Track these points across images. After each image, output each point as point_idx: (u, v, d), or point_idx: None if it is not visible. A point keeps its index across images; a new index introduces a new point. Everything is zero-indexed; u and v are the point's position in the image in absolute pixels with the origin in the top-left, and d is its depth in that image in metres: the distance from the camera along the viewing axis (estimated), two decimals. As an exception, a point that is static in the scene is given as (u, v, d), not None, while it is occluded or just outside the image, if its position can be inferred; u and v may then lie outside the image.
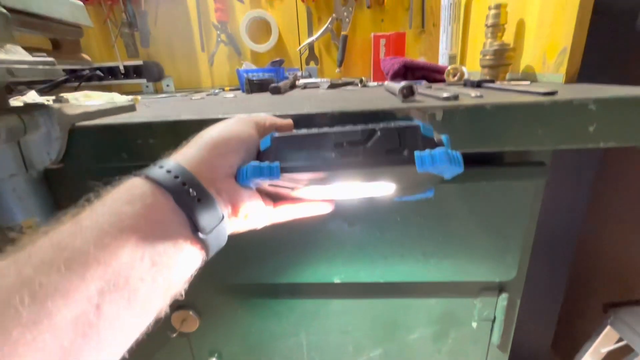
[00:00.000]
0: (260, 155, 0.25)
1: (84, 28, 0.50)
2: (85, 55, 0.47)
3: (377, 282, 0.46)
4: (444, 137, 0.24)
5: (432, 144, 0.23)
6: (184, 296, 0.22)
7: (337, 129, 0.24)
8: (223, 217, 0.23)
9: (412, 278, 0.46)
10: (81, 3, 0.46)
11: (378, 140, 0.23)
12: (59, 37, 0.44)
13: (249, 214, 0.27)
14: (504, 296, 0.47)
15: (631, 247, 0.78)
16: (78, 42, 0.46)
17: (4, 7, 0.33)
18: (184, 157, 0.23)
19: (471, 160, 0.38)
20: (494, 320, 0.50)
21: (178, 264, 0.21)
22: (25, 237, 0.18)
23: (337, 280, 0.46)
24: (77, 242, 0.17)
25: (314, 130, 0.25)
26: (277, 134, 0.25)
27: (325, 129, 0.25)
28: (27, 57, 0.33)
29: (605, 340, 0.77)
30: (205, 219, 0.22)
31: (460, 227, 0.42)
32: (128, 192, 0.20)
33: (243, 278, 0.48)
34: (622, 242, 0.80)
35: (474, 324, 0.50)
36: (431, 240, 0.43)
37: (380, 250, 0.44)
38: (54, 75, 0.33)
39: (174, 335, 0.51)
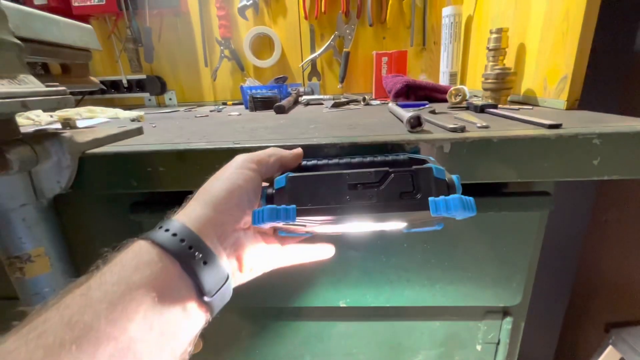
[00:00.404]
0: (274, 195, 0.25)
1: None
2: (93, 78, 0.47)
3: (383, 306, 0.46)
4: (455, 178, 0.24)
5: (444, 186, 0.23)
6: (188, 357, 0.22)
7: (347, 164, 0.25)
8: (228, 277, 0.24)
9: (418, 302, 0.46)
10: (90, 27, 0.47)
11: (392, 182, 0.24)
12: (69, 62, 0.44)
13: (254, 267, 0.27)
14: (508, 320, 0.48)
15: (632, 267, 0.78)
16: (87, 65, 0.47)
17: (17, 37, 0.33)
18: (188, 217, 0.23)
19: (477, 191, 0.39)
20: (498, 343, 0.50)
21: (184, 329, 0.21)
22: (35, 311, 0.18)
23: (342, 304, 0.46)
24: (87, 317, 0.17)
25: (325, 165, 0.25)
26: (292, 174, 0.25)
27: (337, 170, 0.25)
28: (40, 87, 0.33)
29: None
30: (210, 282, 0.22)
31: (466, 254, 0.42)
32: (135, 259, 0.20)
33: (248, 301, 0.47)
34: (623, 262, 0.81)
35: (479, 347, 0.50)
36: (437, 266, 0.43)
37: (386, 275, 0.44)
38: (67, 104, 0.33)
39: (177, 358, 0.50)
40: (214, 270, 0.22)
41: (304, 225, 0.27)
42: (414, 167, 0.24)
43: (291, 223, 0.24)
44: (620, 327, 0.75)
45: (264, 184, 0.28)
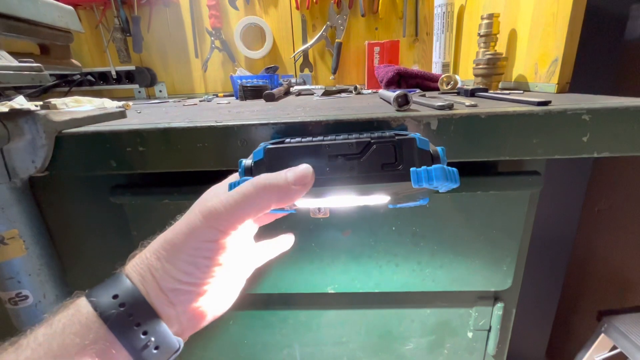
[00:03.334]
0: (252, 167, 0.24)
1: (75, 33, 0.49)
2: (74, 61, 0.46)
3: (372, 291, 0.46)
4: (440, 150, 0.23)
5: (428, 158, 0.23)
6: None
7: (331, 140, 0.24)
8: (179, 348, 0.22)
9: (407, 288, 0.45)
10: (71, 8, 0.45)
11: (373, 153, 0.23)
12: (48, 42, 0.43)
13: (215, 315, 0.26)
14: (499, 305, 0.47)
15: (625, 254, 0.79)
16: (68, 48, 0.46)
17: (-11, 11, 0.32)
18: (139, 274, 0.22)
19: (466, 170, 0.38)
20: (489, 330, 0.49)
21: None
22: None
23: (330, 290, 0.46)
24: None
25: (308, 141, 0.24)
26: (270, 145, 0.24)
27: (319, 139, 0.24)
28: (13, 62, 0.32)
29: (600, 348, 0.77)
30: (154, 356, 0.21)
31: (455, 236, 0.41)
32: (72, 324, 0.20)
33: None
34: (615, 249, 0.81)
35: (470, 334, 0.50)
36: (426, 250, 0.42)
37: (375, 259, 0.43)
38: (41, 80, 0.32)
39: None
40: (159, 341, 0.21)
41: None
42: (397, 137, 0.23)
43: None
44: (612, 315, 0.75)
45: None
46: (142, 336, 0.20)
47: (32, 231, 0.34)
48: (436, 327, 0.50)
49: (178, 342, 0.22)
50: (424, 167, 0.21)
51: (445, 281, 0.44)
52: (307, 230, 0.42)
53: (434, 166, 0.21)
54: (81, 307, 0.20)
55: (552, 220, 0.91)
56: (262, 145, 0.24)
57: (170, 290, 0.22)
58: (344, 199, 0.27)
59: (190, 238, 0.22)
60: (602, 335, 0.75)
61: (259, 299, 0.49)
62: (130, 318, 0.20)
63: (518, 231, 0.41)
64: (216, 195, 0.23)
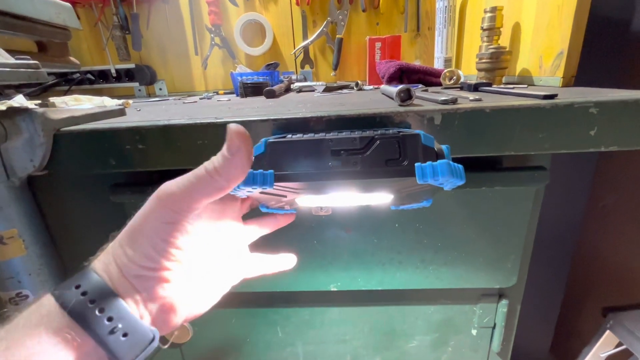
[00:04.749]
0: (253, 161, 0.24)
1: (73, 30, 0.49)
2: (72, 58, 0.45)
3: (375, 289, 0.45)
4: (444, 148, 0.23)
5: (433, 154, 0.22)
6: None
7: (334, 135, 0.23)
8: (154, 338, 0.22)
9: (411, 285, 0.44)
10: (69, 5, 0.45)
11: (377, 148, 0.22)
12: (45, 40, 0.42)
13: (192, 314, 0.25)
14: (503, 302, 0.47)
15: (630, 250, 0.78)
16: (66, 45, 0.45)
17: (-15, 8, 0.31)
18: (104, 265, 0.22)
19: (470, 165, 0.37)
20: (494, 327, 0.49)
21: None
22: None
23: (334, 288, 0.45)
24: None
25: (310, 136, 0.24)
26: (271, 139, 0.24)
27: (322, 135, 0.24)
28: (10, 59, 0.31)
29: (605, 345, 0.76)
30: (123, 344, 0.20)
31: (459, 233, 0.41)
32: (34, 317, 0.19)
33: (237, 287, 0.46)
34: (620, 245, 0.80)
35: (474, 331, 0.49)
36: (430, 247, 0.42)
37: (378, 257, 0.43)
38: (39, 78, 0.32)
39: (166, 346, 0.49)
40: (132, 336, 0.20)
41: (285, 196, 0.26)
42: (401, 133, 0.23)
43: (269, 190, 0.22)
44: (618, 311, 0.74)
45: None
46: (107, 322, 0.19)
47: (31, 230, 0.34)
48: (440, 324, 0.49)
49: (152, 332, 0.21)
50: (429, 162, 0.21)
51: (449, 278, 0.44)
52: (310, 228, 0.42)
53: (439, 161, 0.20)
54: (44, 301, 0.20)
55: (556, 216, 0.90)
56: (263, 140, 0.24)
57: (134, 277, 0.21)
58: (346, 197, 0.26)
59: (147, 220, 0.21)
60: (608, 331, 0.74)
61: (261, 297, 0.48)
62: (93, 305, 0.20)
63: (523, 227, 0.40)
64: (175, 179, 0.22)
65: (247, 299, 0.49)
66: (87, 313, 0.19)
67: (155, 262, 0.22)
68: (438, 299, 0.47)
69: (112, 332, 0.19)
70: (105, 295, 0.20)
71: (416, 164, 0.21)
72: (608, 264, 0.83)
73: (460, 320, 0.49)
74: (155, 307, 0.22)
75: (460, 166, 0.21)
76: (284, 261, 0.34)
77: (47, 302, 0.20)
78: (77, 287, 0.20)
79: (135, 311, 0.21)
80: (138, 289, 0.21)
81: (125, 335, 0.20)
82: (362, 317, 0.49)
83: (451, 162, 0.20)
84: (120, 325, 0.20)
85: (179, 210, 0.21)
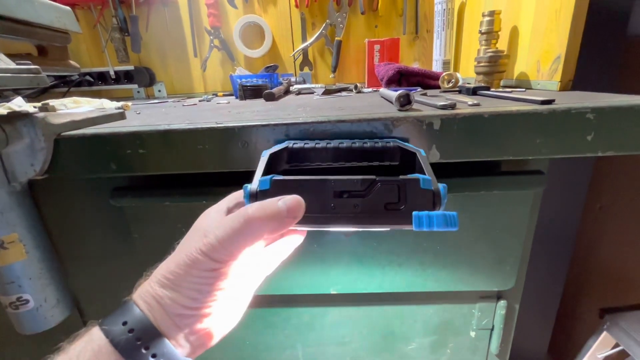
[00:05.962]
0: (257, 195, 0.25)
1: (72, 33, 0.49)
2: (72, 62, 0.45)
3: (375, 292, 0.45)
4: (441, 187, 0.24)
5: (430, 197, 0.24)
6: None
7: (336, 177, 0.25)
8: None
9: (410, 288, 0.45)
10: (69, 8, 0.45)
11: (377, 192, 0.24)
12: (45, 43, 0.42)
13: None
14: (502, 304, 0.47)
15: (627, 251, 0.78)
16: (65, 48, 0.45)
17: (-14, 13, 0.31)
18: (145, 302, 0.23)
19: (469, 170, 0.38)
20: (492, 329, 0.49)
21: None
22: None
23: (334, 291, 0.45)
24: None
25: (314, 177, 0.25)
26: (277, 177, 0.24)
27: (324, 177, 0.24)
28: (11, 64, 0.32)
29: (602, 346, 0.77)
30: None
31: (458, 236, 0.41)
32: (86, 351, 0.21)
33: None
34: (618, 246, 0.81)
35: (473, 333, 0.50)
36: (429, 250, 0.42)
37: (377, 260, 0.43)
38: (39, 83, 0.32)
39: None
40: None
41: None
42: (401, 177, 0.24)
43: None
44: (615, 313, 0.75)
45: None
46: (151, 359, 0.21)
47: (32, 235, 0.34)
48: (439, 326, 0.49)
49: None
50: (425, 213, 0.22)
51: (448, 281, 0.44)
52: (310, 231, 0.42)
53: (435, 213, 0.22)
54: (94, 335, 0.21)
55: (553, 217, 0.91)
56: (270, 177, 0.24)
57: (176, 315, 0.23)
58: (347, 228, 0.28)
59: (191, 269, 0.23)
60: (605, 333, 0.75)
61: (261, 299, 0.48)
62: (139, 342, 0.21)
63: (521, 231, 0.41)
64: (210, 224, 0.24)
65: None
66: (135, 351, 0.21)
67: (198, 303, 0.23)
68: (437, 301, 0.48)
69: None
70: (149, 333, 0.22)
71: (413, 213, 0.22)
72: (605, 264, 0.84)
73: (459, 322, 0.49)
74: (195, 337, 0.24)
75: (455, 214, 0.22)
76: (292, 239, 0.33)
77: (97, 337, 0.21)
78: (124, 323, 0.21)
79: (176, 344, 0.23)
80: (179, 325, 0.23)
81: None
82: (361, 320, 0.49)
83: (446, 213, 0.21)
84: (156, 354, 0.21)
85: (222, 261, 0.23)
